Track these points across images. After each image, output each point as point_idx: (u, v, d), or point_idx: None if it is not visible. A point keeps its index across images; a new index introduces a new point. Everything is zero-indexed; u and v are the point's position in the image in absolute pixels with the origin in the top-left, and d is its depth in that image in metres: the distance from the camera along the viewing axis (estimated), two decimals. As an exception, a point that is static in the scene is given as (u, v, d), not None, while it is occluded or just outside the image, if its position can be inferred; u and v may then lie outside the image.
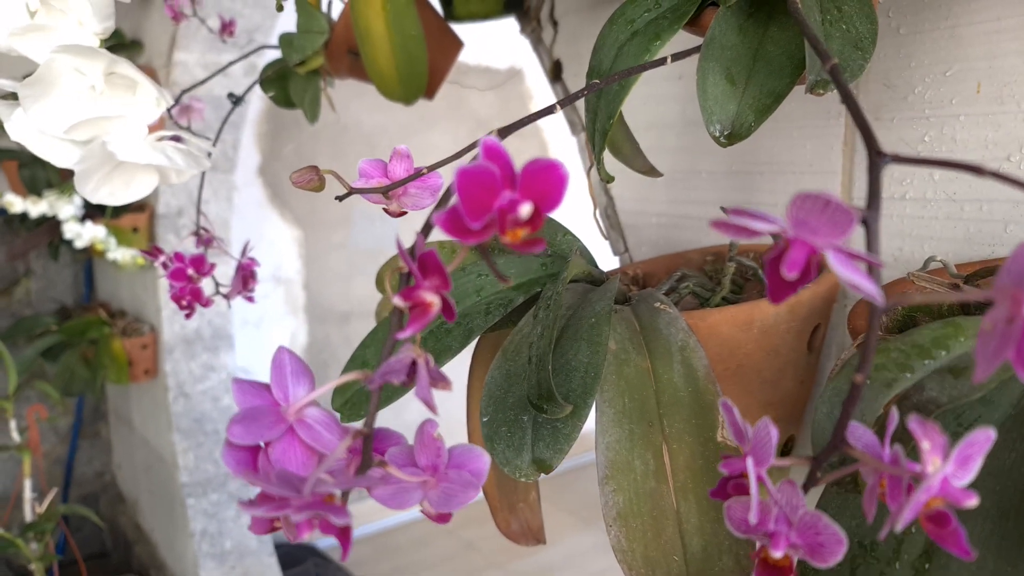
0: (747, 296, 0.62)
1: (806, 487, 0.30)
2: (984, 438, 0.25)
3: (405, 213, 0.37)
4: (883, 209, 0.61)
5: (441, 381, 0.28)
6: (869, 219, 0.24)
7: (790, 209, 0.22)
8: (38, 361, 1.66)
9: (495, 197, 0.24)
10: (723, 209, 0.42)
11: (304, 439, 0.29)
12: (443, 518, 0.31)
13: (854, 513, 0.39)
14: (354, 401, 0.57)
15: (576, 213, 0.78)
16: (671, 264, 0.70)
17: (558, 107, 0.34)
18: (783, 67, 0.38)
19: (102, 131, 0.61)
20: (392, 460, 0.31)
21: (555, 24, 0.79)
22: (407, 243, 0.28)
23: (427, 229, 0.29)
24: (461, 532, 2.23)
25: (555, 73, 0.81)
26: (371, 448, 0.29)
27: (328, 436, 0.29)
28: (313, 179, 0.35)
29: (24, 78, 0.59)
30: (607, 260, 0.77)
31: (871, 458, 0.27)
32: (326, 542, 2.21)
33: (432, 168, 0.35)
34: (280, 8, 0.51)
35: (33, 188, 1.63)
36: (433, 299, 0.28)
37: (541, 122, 2.52)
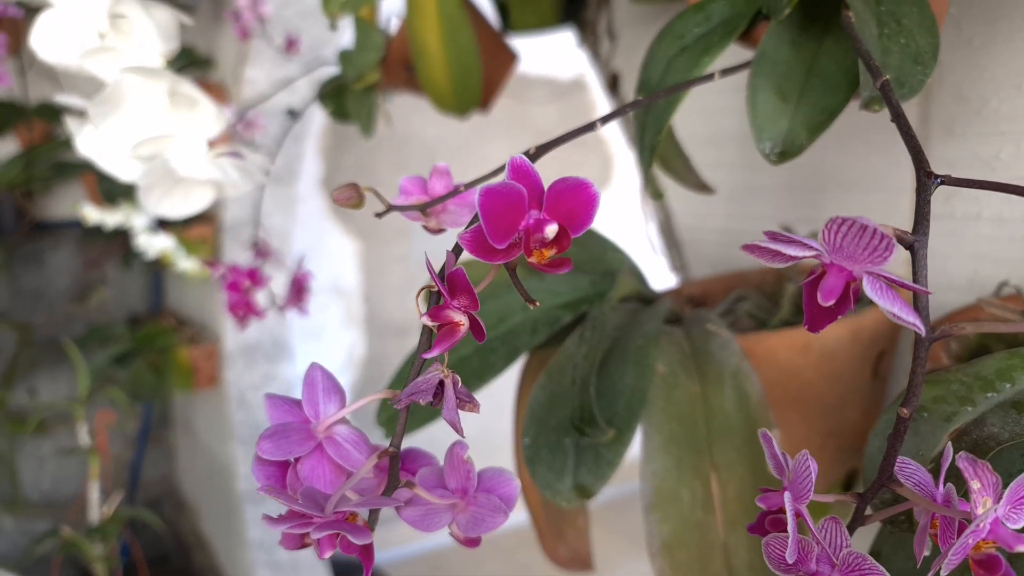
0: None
1: (852, 526, 0.28)
2: (1045, 480, 0.23)
3: (444, 231, 0.37)
4: (955, 229, 0.58)
5: (469, 403, 0.28)
6: (916, 244, 0.23)
7: (825, 234, 0.21)
8: (109, 367, 1.72)
9: (520, 217, 0.24)
10: (786, 228, 0.41)
11: (332, 456, 0.29)
12: (472, 542, 0.31)
13: (910, 554, 0.36)
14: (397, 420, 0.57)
15: (630, 229, 0.77)
16: (730, 283, 0.68)
17: (599, 124, 0.33)
18: (838, 83, 0.37)
19: (164, 148, 0.62)
20: (422, 482, 0.31)
21: (612, 36, 0.78)
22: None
23: (458, 249, 0.29)
24: (516, 555, 2.21)
25: (612, 86, 0.80)
26: (398, 468, 0.28)
27: (356, 454, 0.29)
28: (353, 196, 0.35)
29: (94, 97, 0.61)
30: (663, 278, 0.75)
31: (921, 497, 0.26)
32: (382, 556, 2.22)
33: (470, 185, 0.35)
34: (334, 27, 0.52)
35: (110, 200, 1.69)
36: (461, 319, 0.27)
37: (606, 134, 2.51)
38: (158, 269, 1.94)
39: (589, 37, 0.81)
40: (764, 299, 0.62)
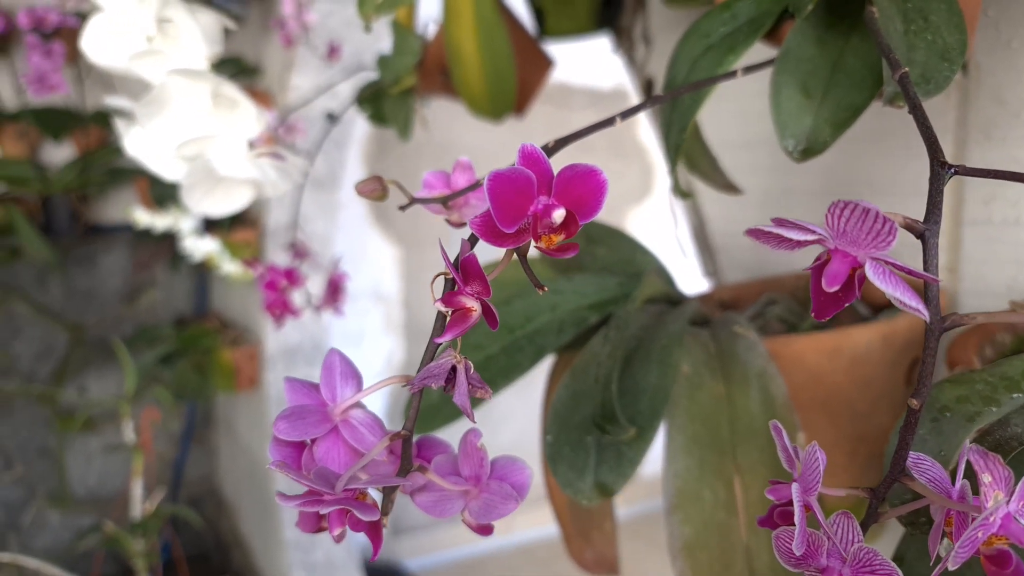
0: (840, 325, 0.59)
1: (866, 522, 0.28)
2: (1060, 475, 0.23)
3: (465, 224, 0.37)
4: (994, 235, 0.57)
5: (480, 388, 0.28)
6: (927, 233, 0.23)
7: (829, 218, 0.21)
8: (155, 367, 1.77)
9: (529, 202, 0.24)
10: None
11: (347, 439, 0.29)
12: (484, 529, 0.31)
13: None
14: (428, 413, 0.58)
15: (661, 233, 0.76)
16: (762, 289, 0.67)
17: (619, 119, 0.33)
18: (863, 79, 0.37)
19: (206, 147, 0.64)
20: (436, 468, 0.31)
21: (648, 42, 0.78)
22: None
23: (474, 238, 0.29)
24: (553, 565, 2.21)
25: (647, 91, 0.80)
26: (410, 451, 0.29)
27: (371, 437, 0.29)
28: (377, 188, 0.36)
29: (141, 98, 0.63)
30: (696, 282, 0.75)
31: (934, 493, 0.25)
32: (416, 563, 2.23)
33: (491, 179, 0.35)
34: (368, 29, 0.53)
35: (161, 204, 1.74)
36: (473, 304, 0.27)
37: (647, 142, 2.50)
38: (204, 272, 1.99)
39: (624, 43, 0.81)
40: (796, 304, 0.62)
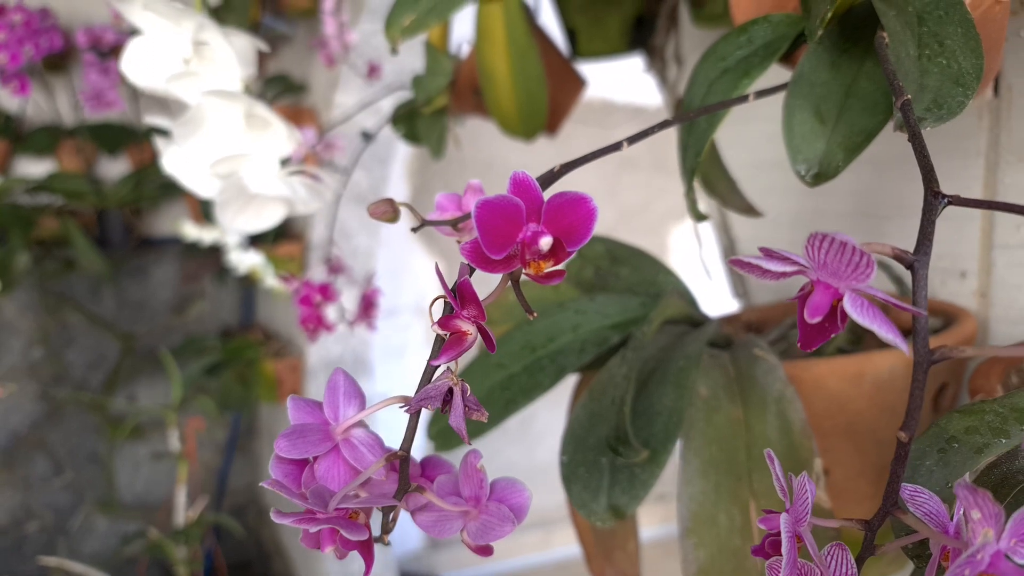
0: (865, 348, 0.58)
1: (862, 555, 0.27)
2: (1052, 513, 0.22)
3: (476, 246, 0.38)
4: (1014, 259, 0.55)
5: (476, 411, 0.29)
6: (916, 264, 0.22)
7: (808, 250, 0.21)
8: (201, 377, 1.81)
9: (518, 229, 0.24)
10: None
11: (348, 458, 0.30)
12: (483, 550, 0.31)
13: (946, 592, 0.35)
14: (448, 433, 0.58)
15: (704, 244, 0.76)
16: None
17: (625, 144, 0.34)
18: (877, 104, 0.36)
19: (239, 166, 0.66)
20: (438, 488, 0.32)
21: (680, 62, 0.78)
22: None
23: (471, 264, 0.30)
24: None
25: (679, 110, 0.80)
26: (407, 471, 0.29)
27: (371, 457, 0.30)
28: (388, 211, 0.37)
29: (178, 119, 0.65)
30: (725, 304, 0.74)
31: (928, 527, 0.25)
32: (453, 575, 2.23)
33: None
34: (395, 52, 0.54)
35: (210, 218, 1.79)
36: (469, 328, 0.28)
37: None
38: (249, 285, 2.03)
39: (657, 63, 0.81)
40: (824, 327, 0.61)
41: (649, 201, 2.51)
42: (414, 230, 0.38)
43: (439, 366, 0.29)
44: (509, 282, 0.27)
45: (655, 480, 0.44)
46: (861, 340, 0.58)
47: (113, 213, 1.96)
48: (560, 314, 0.58)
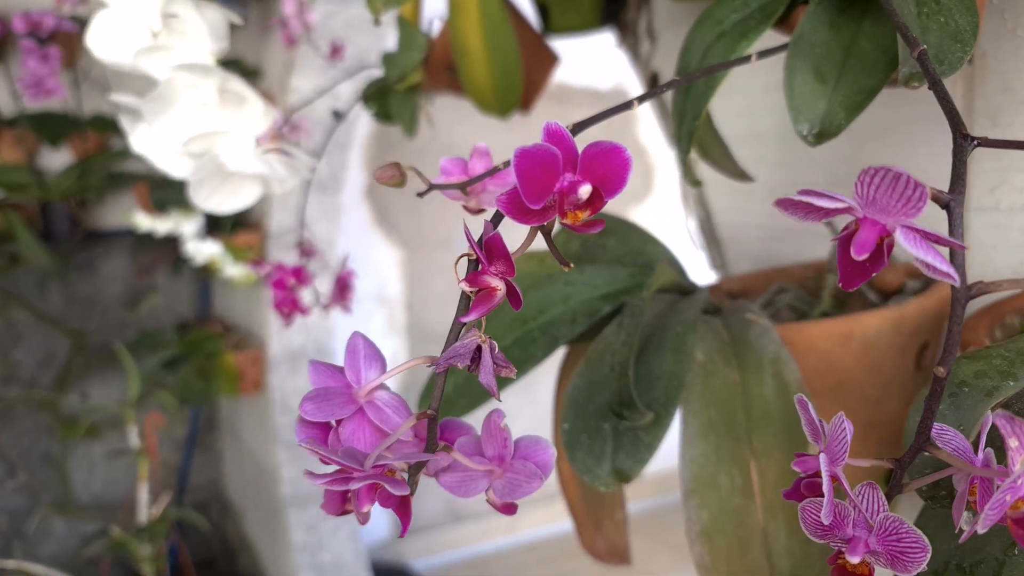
0: (849, 311, 0.59)
1: (890, 493, 0.28)
2: (1087, 440, 0.23)
3: (483, 211, 0.38)
4: (1001, 221, 0.57)
5: (505, 368, 0.28)
6: (952, 203, 0.23)
7: (858, 187, 0.21)
8: (159, 372, 1.77)
9: (555, 178, 0.24)
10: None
11: (373, 420, 0.30)
12: (508, 508, 0.31)
13: (954, 534, 0.36)
14: (449, 400, 0.57)
15: (671, 224, 0.77)
16: (770, 279, 0.68)
17: (636, 103, 0.34)
18: (876, 63, 0.37)
19: (214, 144, 0.64)
20: (461, 449, 0.31)
21: (652, 37, 0.78)
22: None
23: (497, 217, 0.30)
24: (560, 563, 2.21)
25: (652, 86, 0.81)
26: (436, 429, 0.29)
27: (396, 418, 0.30)
28: (396, 175, 0.36)
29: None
30: (704, 275, 0.75)
31: (959, 460, 0.26)
32: (423, 563, 2.23)
33: (510, 164, 0.35)
34: (377, 23, 0.53)
35: (161, 208, 1.74)
36: (498, 284, 0.28)
37: (648, 144, 2.50)
38: (206, 276, 1.99)
39: (629, 38, 0.81)
40: (805, 292, 0.62)
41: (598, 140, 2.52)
42: (421, 195, 0.37)
43: (465, 324, 0.29)
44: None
45: (659, 443, 0.45)
46: (845, 305, 0.59)
47: (57, 205, 1.90)
48: (550, 286, 0.58)
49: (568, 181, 0.24)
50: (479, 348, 0.28)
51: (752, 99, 0.71)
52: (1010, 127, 0.55)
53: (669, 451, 0.47)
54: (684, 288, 0.57)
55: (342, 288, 0.86)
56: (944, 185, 0.40)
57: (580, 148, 0.26)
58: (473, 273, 0.28)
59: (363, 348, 0.31)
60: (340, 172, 1.64)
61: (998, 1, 0.55)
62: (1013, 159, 0.55)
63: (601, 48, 0.97)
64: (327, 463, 0.27)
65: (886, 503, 0.27)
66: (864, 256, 0.22)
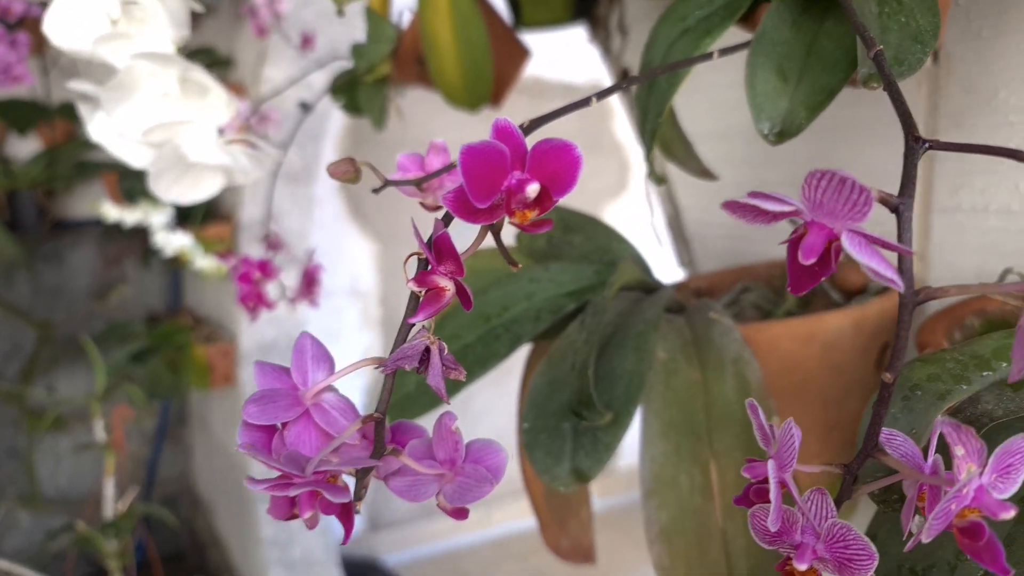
0: (813, 311, 0.59)
1: (840, 498, 0.28)
2: (1030, 447, 0.23)
3: (440, 207, 0.37)
4: (963, 223, 0.57)
5: (454, 370, 0.28)
6: (901, 207, 0.23)
7: (805, 190, 0.21)
8: (127, 365, 1.74)
9: (503, 177, 0.24)
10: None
11: (319, 422, 0.29)
12: (459, 513, 0.31)
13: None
14: (406, 401, 0.57)
15: (638, 222, 0.76)
16: (737, 277, 0.68)
17: (594, 99, 0.33)
18: (838, 62, 0.37)
19: (175, 134, 0.63)
20: (411, 452, 0.31)
21: (624, 32, 0.78)
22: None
23: (448, 217, 0.29)
24: (531, 558, 2.21)
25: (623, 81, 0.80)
26: (383, 433, 0.29)
27: (343, 421, 0.29)
28: (349, 170, 0.35)
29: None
30: (671, 272, 0.75)
31: (907, 467, 0.25)
32: (394, 558, 2.22)
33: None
34: (341, 14, 0.52)
35: (130, 198, 1.71)
36: (447, 284, 0.27)
37: (624, 140, 2.50)
38: (176, 268, 1.96)
39: (600, 33, 0.81)
40: (770, 291, 0.62)
41: (584, 180, 2.51)
42: (376, 191, 0.37)
43: (414, 325, 0.28)
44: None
45: (618, 443, 0.44)
46: (809, 304, 0.59)
47: (24, 194, 1.87)
48: (514, 283, 0.57)
49: (516, 179, 0.24)
50: (427, 350, 0.28)
51: (719, 96, 0.70)
52: (974, 128, 0.55)
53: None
54: (649, 286, 0.57)
55: (309, 282, 0.85)
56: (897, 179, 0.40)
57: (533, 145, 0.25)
58: (422, 273, 0.27)
59: (311, 348, 0.30)
60: (313, 164, 1.62)
61: (964, 2, 0.55)
62: (974, 161, 0.56)
63: (577, 42, 0.96)
64: (270, 468, 0.26)
65: (835, 509, 0.26)
66: (812, 260, 0.21)
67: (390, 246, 2.23)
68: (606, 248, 0.59)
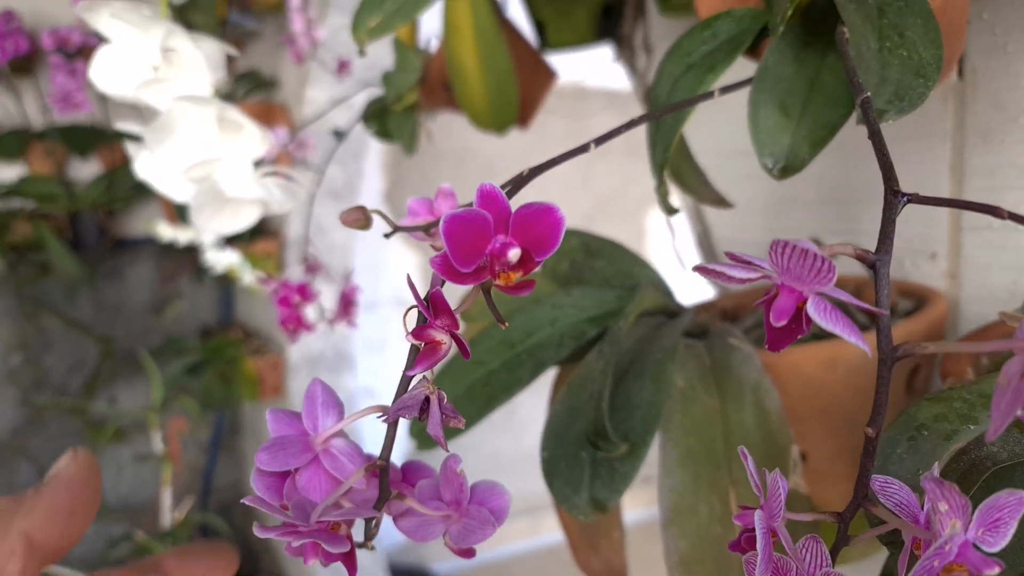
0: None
1: (836, 546, 0.28)
2: (1015, 500, 0.23)
3: (449, 250, 0.38)
4: (996, 240, 0.56)
5: (453, 419, 0.29)
6: (878, 264, 0.23)
7: (772, 256, 0.21)
8: (182, 377, 1.80)
9: (486, 241, 0.25)
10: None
11: (328, 468, 0.30)
12: (465, 553, 0.32)
13: None
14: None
15: (679, 233, 0.76)
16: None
17: (593, 145, 0.34)
18: (840, 97, 0.37)
19: (213, 170, 0.66)
20: (420, 493, 0.32)
21: (649, 50, 0.78)
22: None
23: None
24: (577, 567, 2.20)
25: (648, 99, 0.80)
26: (387, 479, 0.30)
27: (351, 467, 0.30)
28: (360, 218, 0.37)
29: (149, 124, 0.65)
30: (700, 291, 0.75)
31: (899, 518, 0.26)
32: (442, 566, 2.24)
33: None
34: (362, 53, 0.54)
35: (184, 218, 1.77)
36: (443, 338, 0.28)
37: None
38: (228, 284, 2.02)
39: (626, 52, 0.81)
40: (798, 312, 0.62)
41: (625, 186, 2.51)
42: (387, 236, 0.38)
43: (415, 375, 0.29)
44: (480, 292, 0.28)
45: (635, 473, 0.45)
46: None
47: (86, 215, 1.94)
48: (537, 309, 0.58)
49: (499, 243, 0.25)
50: (427, 399, 0.29)
51: (739, 113, 0.70)
52: (1002, 144, 0.54)
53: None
54: (670, 310, 0.57)
55: (346, 304, 0.87)
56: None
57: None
58: (419, 327, 0.28)
59: (321, 395, 0.32)
60: (356, 180, 1.65)
61: (988, 16, 0.54)
62: (1006, 177, 0.55)
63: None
64: (279, 516, 0.28)
65: (829, 558, 0.27)
66: (783, 323, 0.22)
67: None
68: (628, 272, 0.59)
